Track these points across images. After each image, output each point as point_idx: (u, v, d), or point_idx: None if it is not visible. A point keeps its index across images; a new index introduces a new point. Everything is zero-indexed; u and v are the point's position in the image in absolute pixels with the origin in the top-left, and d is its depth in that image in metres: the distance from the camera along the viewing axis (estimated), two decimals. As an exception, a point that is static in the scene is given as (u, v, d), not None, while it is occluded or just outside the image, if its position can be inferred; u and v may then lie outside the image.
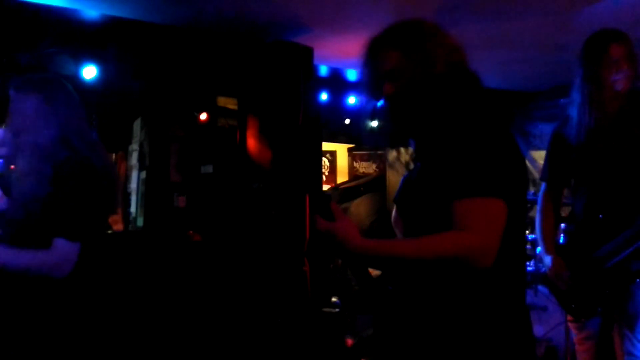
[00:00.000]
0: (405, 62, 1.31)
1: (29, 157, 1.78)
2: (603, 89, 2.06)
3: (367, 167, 6.90)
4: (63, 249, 1.73)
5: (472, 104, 1.30)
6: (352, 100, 4.89)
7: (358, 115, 4.98)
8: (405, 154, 5.40)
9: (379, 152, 6.88)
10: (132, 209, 4.32)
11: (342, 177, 6.80)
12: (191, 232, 3.63)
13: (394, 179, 6.50)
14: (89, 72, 3.50)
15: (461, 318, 1.23)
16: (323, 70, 4.52)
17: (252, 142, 3.67)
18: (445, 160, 1.23)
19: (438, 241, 1.16)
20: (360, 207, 6.08)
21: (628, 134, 2.07)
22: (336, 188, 6.06)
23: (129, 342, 2.54)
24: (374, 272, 4.72)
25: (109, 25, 3.32)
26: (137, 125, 4.26)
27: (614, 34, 2.09)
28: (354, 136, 5.53)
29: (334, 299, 3.90)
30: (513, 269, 1.27)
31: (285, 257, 3.43)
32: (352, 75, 4.71)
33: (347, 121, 4.99)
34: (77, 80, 3.40)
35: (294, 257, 3.43)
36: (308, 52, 3.54)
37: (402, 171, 5.97)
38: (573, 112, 2.17)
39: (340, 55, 4.03)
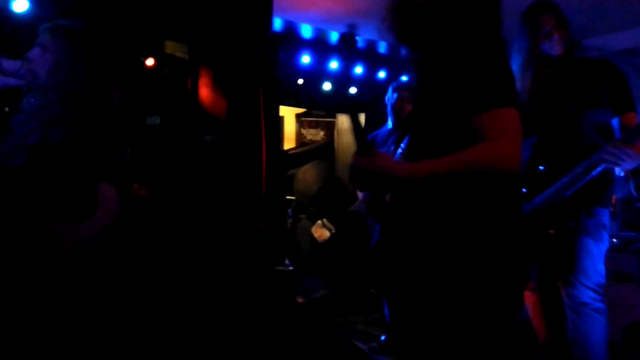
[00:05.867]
0: None
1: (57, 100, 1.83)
2: (538, 57, 2.25)
3: (314, 134, 6.80)
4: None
5: (485, 23, 1.37)
6: (306, 59, 4.72)
7: (312, 76, 4.83)
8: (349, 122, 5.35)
9: (328, 119, 6.80)
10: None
11: (289, 143, 6.66)
12: (136, 185, 3.37)
13: (343, 146, 6.45)
14: (20, 4, 3.15)
15: (462, 223, 1.28)
16: (276, 23, 4.27)
17: (205, 92, 3.44)
18: (461, 77, 1.28)
19: (473, 154, 1.22)
20: (307, 174, 5.99)
21: (559, 94, 2.25)
22: (284, 153, 5.92)
23: (77, 299, 2.32)
24: (322, 237, 4.59)
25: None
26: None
27: (543, 6, 2.27)
28: (305, 99, 5.35)
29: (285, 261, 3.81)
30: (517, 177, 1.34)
31: (239, 213, 3.27)
32: (307, 31, 4.53)
33: (300, 81, 4.81)
34: (5, 12, 3.04)
35: (249, 214, 3.27)
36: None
37: (351, 139, 5.92)
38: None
39: (298, 6, 3.85)
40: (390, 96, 3.24)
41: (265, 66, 3.50)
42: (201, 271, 3.16)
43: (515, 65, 2.24)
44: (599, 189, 2.20)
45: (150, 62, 3.52)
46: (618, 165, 2.04)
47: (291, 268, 3.55)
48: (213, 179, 3.34)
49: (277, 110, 3.76)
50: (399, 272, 1.36)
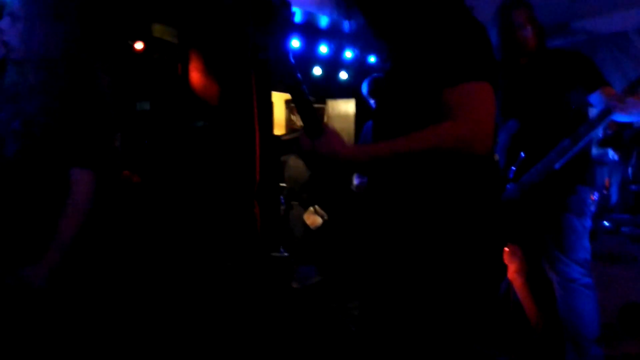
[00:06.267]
0: None
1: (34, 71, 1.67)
2: (512, 50, 2.37)
3: (304, 121, 6.75)
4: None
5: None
6: (295, 43, 4.66)
7: (302, 61, 4.76)
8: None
9: (318, 105, 6.74)
10: None
11: (279, 129, 6.58)
12: (127, 172, 3.30)
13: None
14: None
15: (437, 207, 1.20)
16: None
17: (195, 76, 3.37)
18: (428, 51, 1.18)
19: (435, 133, 1.12)
20: (298, 160, 5.94)
21: (537, 82, 2.36)
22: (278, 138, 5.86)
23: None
24: (314, 224, 4.56)
25: None
26: None
27: (516, 1, 2.40)
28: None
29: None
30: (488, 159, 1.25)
31: (234, 199, 3.22)
32: (296, 15, 4.46)
33: (291, 66, 4.74)
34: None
35: (243, 200, 3.23)
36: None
37: (342, 125, 5.89)
38: None
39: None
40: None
41: (256, 50, 3.44)
42: (196, 258, 3.11)
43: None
44: (581, 167, 2.30)
45: (139, 46, 3.43)
46: (626, 113, 2.14)
47: (286, 254, 3.52)
48: (206, 165, 3.29)
49: (270, 95, 3.71)
50: (373, 260, 1.29)
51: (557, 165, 2.20)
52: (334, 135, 1.16)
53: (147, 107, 3.59)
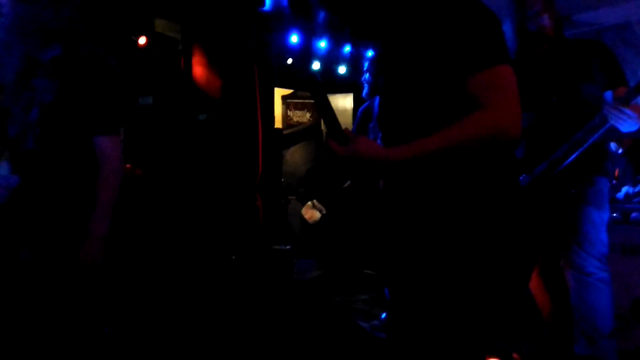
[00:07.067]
0: None
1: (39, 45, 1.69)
2: (529, 39, 2.27)
3: (301, 116, 6.74)
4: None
5: None
6: (294, 39, 4.66)
7: (301, 56, 4.77)
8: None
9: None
10: None
11: (275, 125, 6.61)
12: (129, 165, 3.30)
13: (331, 127, 6.42)
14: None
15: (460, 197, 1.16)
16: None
17: (198, 71, 3.37)
18: (440, 41, 1.12)
19: (468, 126, 1.07)
20: (295, 155, 5.96)
21: (554, 72, 2.26)
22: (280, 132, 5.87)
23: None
24: (312, 218, 4.57)
25: None
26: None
27: None
28: (293, 79, 5.29)
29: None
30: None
31: (236, 192, 3.24)
32: (297, 10, 4.47)
33: (290, 61, 4.76)
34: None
35: (246, 193, 3.25)
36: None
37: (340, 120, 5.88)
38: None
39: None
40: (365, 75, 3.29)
41: (259, 44, 3.45)
42: (199, 251, 3.13)
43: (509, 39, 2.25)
44: (598, 158, 2.22)
45: (142, 40, 3.43)
46: (620, 122, 2.06)
47: (288, 247, 3.54)
48: (208, 158, 3.30)
49: (272, 89, 3.72)
50: (403, 257, 1.24)
51: (569, 160, 2.14)
52: (367, 138, 1.13)
53: (149, 102, 3.59)
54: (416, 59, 1.17)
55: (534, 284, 2.35)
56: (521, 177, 2.20)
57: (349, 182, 4.56)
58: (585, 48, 2.29)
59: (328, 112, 1.13)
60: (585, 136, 2.12)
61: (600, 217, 2.21)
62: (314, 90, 1.13)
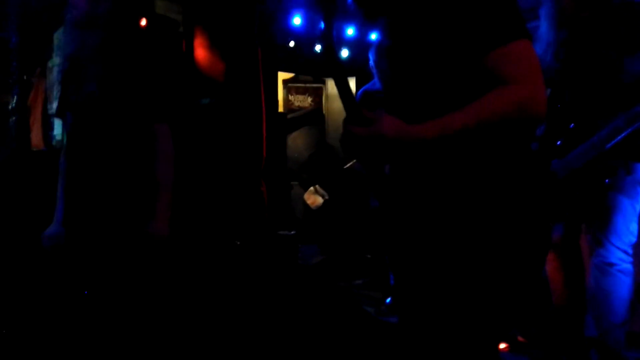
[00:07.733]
0: None
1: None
2: (566, 9, 2.10)
3: (302, 101, 6.68)
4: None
5: None
6: (297, 20, 4.58)
7: (304, 38, 4.70)
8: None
9: (316, 85, 6.69)
10: (56, 131, 3.80)
11: (277, 109, 6.55)
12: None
13: (334, 112, 6.37)
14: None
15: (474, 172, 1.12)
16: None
17: (201, 53, 3.31)
18: (457, 18, 1.08)
19: (493, 102, 1.03)
20: (297, 140, 5.92)
21: (595, 41, 2.09)
22: (283, 116, 5.82)
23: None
24: (315, 203, 4.52)
25: None
26: (58, 35, 3.69)
27: None
28: (294, 62, 5.21)
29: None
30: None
31: (241, 177, 3.20)
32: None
33: (292, 44, 4.68)
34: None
35: (250, 177, 3.20)
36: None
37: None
38: (542, 30, 2.17)
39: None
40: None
41: (262, 26, 3.39)
42: (205, 237, 3.09)
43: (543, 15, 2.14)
44: (635, 143, 2.05)
45: (142, 22, 3.35)
46: None
47: (293, 233, 3.51)
48: (212, 142, 3.25)
49: (276, 72, 3.66)
50: (418, 242, 1.20)
51: (607, 146, 1.99)
52: (391, 117, 1.07)
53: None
54: (431, 36, 1.13)
55: (551, 264, 2.27)
56: (553, 161, 2.08)
57: (350, 163, 4.53)
58: (636, 13, 2.05)
59: (347, 94, 1.09)
60: (627, 125, 1.97)
61: (633, 207, 2.10)
62: (335, 73, 1.10)
